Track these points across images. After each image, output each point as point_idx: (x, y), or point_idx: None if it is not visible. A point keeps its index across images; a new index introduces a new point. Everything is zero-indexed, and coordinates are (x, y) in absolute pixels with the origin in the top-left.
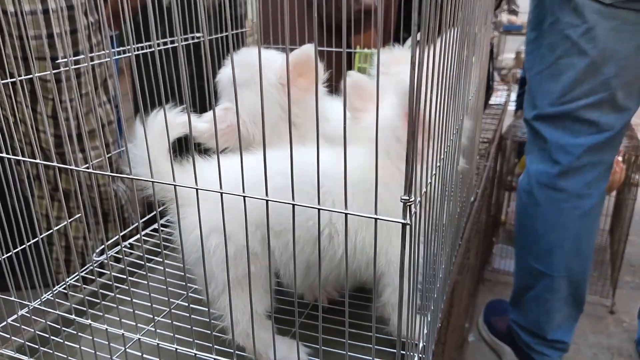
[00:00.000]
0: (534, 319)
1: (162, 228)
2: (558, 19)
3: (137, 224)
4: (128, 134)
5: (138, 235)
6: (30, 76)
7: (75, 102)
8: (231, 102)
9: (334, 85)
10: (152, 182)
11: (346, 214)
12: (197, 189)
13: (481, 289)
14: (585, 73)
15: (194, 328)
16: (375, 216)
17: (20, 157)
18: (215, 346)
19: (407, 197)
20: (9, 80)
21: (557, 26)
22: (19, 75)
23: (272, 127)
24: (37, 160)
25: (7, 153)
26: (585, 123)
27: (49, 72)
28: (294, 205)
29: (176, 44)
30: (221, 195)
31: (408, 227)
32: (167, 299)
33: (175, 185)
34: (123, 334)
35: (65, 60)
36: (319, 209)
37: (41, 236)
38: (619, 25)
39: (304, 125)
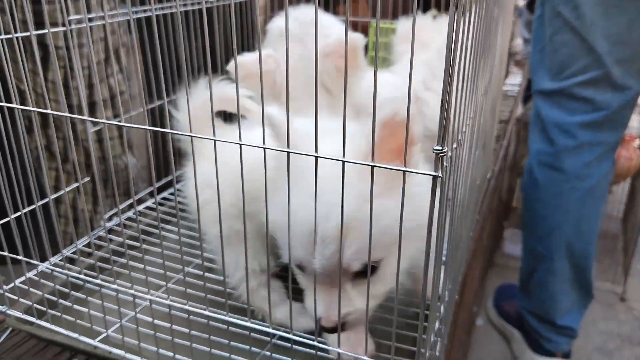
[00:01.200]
0: (539, 303)
1: (164, 201)
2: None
3: (152, 188)
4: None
5: (151, 200)
6: (44, 31)
7: (89, 69)
8: (275, 52)
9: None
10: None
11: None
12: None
13: (491, 273)
14: (578, 50)
15: (206, 285)
16: (404, 168)
17: (30, 108)
18: (228, 302)
19: (440, 148)
20: (22, 34)
21: (551, 3)
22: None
23: (307, 88)
24: (49, 111)
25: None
26: (580, 100)
27: (64, 28)
28: (317, 157)
29: (201, 6)
30: (240, 147)
31: (439, 180)
32: (176, 264)
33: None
34: (134, 295)
35: (79, 17)
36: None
37: (52, 197)
38: (606, 1)
39: (339, 97)
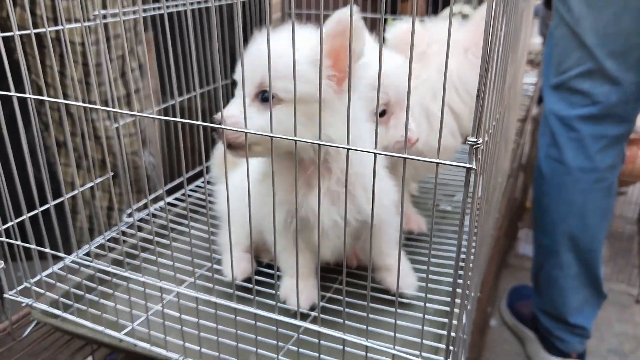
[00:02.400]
0: (549, 300)
1: (192, 192)
2: None
3: (182, 178)
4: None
5: (176, 195)
6: (60, 27)
7: (104, 65)
8: None
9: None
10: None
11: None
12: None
13: (504, 273)
14: (571, 43)
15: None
16: (437, 160)
17: (45, 97)
18: (256, 298)
19: (475, 140)
20: (38, 30)
21: (552, 1)
22: (50, 36)
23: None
24: (63, 101)
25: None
26: (579, 94)
27: (79, 25)
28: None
29: (209, 4)
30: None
31: (473, 172)
32: (201, 260)
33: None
34: (161, 287)
35: (98, 13)
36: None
37: (76, 191)
38: None
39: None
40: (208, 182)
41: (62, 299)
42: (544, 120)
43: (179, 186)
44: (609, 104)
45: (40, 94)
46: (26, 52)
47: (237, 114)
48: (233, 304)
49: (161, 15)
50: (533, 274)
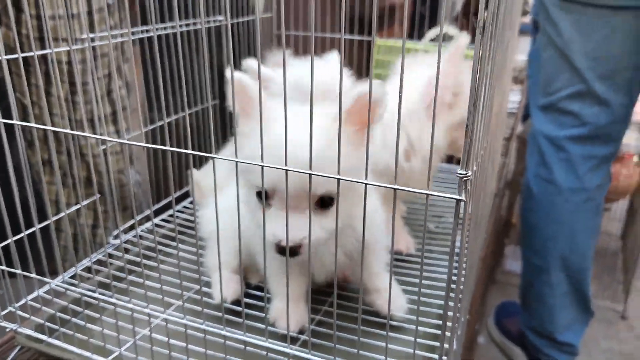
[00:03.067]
0: (538, 318)
1: (179, 213)
2: (539, 15)
3: (171, 198)
4: None
5: (162, 216)
6: (49, 51)
7: (91, 85)
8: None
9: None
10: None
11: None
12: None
13: (492, 290)
14: (561, 65)
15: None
16: (427, 192)
17: (33, 124)
18: (246, 322)
19: (465, 172)
20: (26, 54)
21: (539, 23)
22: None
23: None
24: (50, 127)
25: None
26: (568, 115)
27: (67, 49)
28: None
29: (199, 27)
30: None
31: (462, 203)
32: (184, 282)
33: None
34: (149, 314)
35: (87, 37)
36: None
37: (62, 214)
38: (580, 18)
39: None
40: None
41: (47, 323)
42: (532, 140)
43: (165, 207)
44: (598, 124)
45: (25, 112)
46: (11, 70)
47: (302, 236)
48: (222, 331)
49: (150, 38)
50: (521, 292)
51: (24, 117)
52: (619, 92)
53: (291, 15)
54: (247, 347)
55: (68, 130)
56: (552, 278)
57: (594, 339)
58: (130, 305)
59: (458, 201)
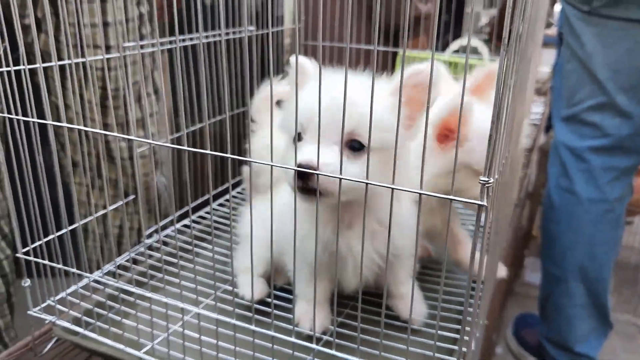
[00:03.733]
0: (556, 329)
1: (219, 207)
2: (564, 28)
3: (209, 195)
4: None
5: (192, 216)
6: (83, 59)
7: (124, 90)
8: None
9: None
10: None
11: (420, 194)
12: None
13: (510, 301)
14: (583, 77)
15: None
16: (451, 197)
17: (64, 124)
18: (274, 322)
19: (487, 179)
20: (64, 62)
21: (563, 35)
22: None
23: None
24: (82, 127)
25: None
26: (589, 126)
27: (100, 57)
28: (368, 184)
29: (218, 38)
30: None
31: (484, 209)
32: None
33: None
34: (182, 308)
35: (119, 46)
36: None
37: (102, 211)
38: (602, 31)
39: None
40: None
41: (84, 317)
42: (554, 151)
43: (196, 207)
44: (619, 136)
45: (59, 115)
46: (47, 74)
47: (333, 162)
48: (252, 327)
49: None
50: (540, 302)
51: (58, 120)
52: None
53: (322, 26)
54: (275, 345)
55: (98, 130)
56: (570, 288)
57: (613, 352)
58: (165, 300)
59: (480, 207)
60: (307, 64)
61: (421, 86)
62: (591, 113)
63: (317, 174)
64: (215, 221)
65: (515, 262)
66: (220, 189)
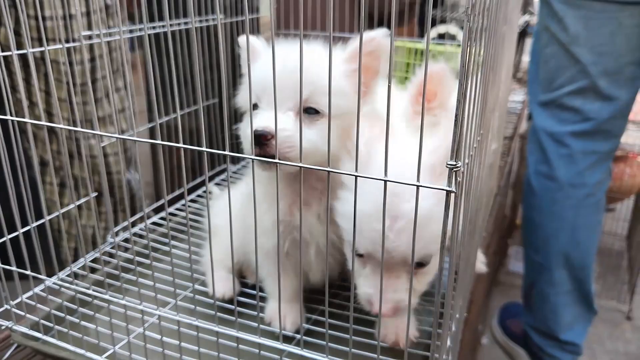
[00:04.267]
0: (542, 317)
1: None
2: (541, 11)
3: (157, 203)
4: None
5: (157, 216)
6: (42, 49)
7: (88, 85)
8: None
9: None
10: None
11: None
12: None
13: (495, 291)
14: (565, 61)
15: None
16: (417, 183)
17: (27, 120)
18: (240, 320)
19: (454, 163)
20: (22, 51)
21: (540, 18)
22: (34, 55)
23: None
24: (56, 125)
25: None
26: (570, 110)
27: (60, 46)
28: (329, 171)
29: (190, 26)
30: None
31: (453, 195)
32: (179, 281)
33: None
34: (142, 310)
35: (80, 35)
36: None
37: (61, 211)
38: (586, 14)
39: None
40: (201, 197)
41: (42, 321)
42: (532, 137)
43: (169, 203)
44: (600, 120)
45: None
46: (10, 70)
47: (290, 128)
48: (215, 327)
49: (144, 36)
50: (524, 291)
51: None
52: (622, 87)
53: (303, 14)
54: (240, 345)
55: (62, 125)
56: (554, 276)
57: (598, 339)
58: (123, 302)
59: (448, 192)
60: (256, 43)
61: (375, 53)
62: (572, 98)
63: (275, 137)
64: (184, 217)
65: (499, 251)
66: (193, 183)
